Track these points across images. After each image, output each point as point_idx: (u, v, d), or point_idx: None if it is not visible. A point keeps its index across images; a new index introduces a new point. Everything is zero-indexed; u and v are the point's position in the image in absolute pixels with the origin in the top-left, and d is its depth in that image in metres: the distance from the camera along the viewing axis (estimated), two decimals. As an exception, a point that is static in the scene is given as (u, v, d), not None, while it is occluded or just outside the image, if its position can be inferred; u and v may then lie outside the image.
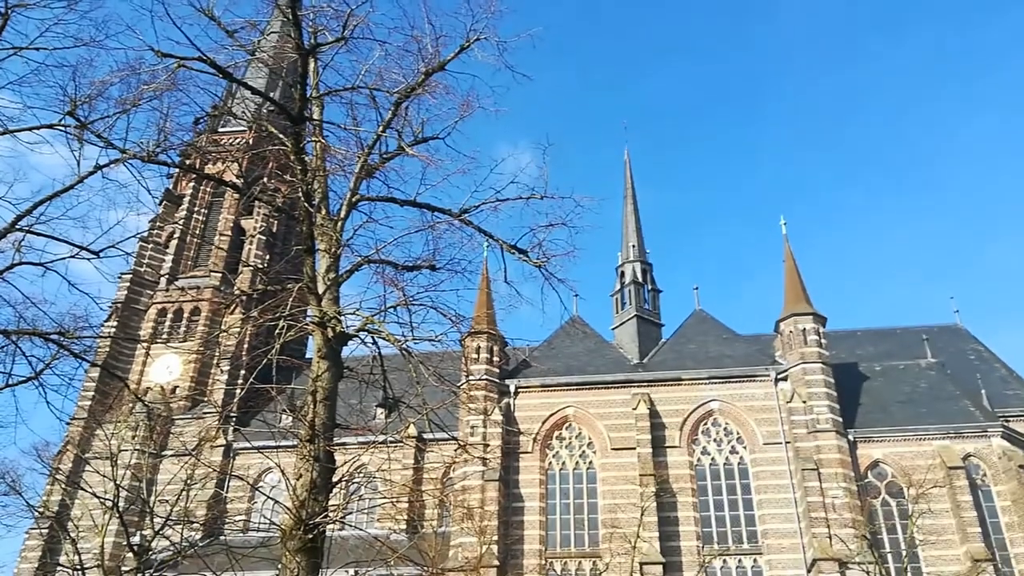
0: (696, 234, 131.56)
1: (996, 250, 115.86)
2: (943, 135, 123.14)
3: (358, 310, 13.09)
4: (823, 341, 36.70)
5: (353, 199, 13.33)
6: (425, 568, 28.54)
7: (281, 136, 13.02)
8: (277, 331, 12.74)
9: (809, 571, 32.20)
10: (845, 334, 43.68)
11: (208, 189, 52.23)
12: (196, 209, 51.55)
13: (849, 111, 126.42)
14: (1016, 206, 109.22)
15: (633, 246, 44.38)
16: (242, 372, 42.74)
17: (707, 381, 37.28)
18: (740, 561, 33.84)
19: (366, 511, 35.34)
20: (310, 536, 11.72)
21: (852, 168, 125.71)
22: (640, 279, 43.14)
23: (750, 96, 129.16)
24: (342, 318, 13.00)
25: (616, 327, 42.60)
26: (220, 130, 48.98)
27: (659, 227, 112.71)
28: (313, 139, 13.10)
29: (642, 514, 31.40)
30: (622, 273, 43.89)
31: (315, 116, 13.29)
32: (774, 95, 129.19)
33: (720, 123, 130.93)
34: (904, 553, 30.87)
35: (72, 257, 14.82)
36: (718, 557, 33.47)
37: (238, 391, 39.67)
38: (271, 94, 13.88)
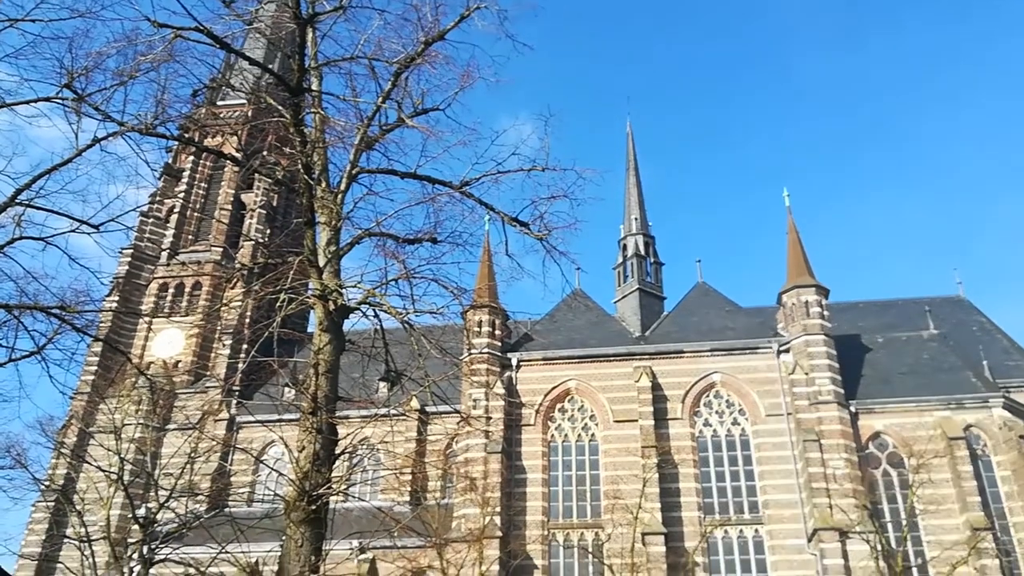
0: (699, 207, 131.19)
1: (1000, 222, 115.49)
2: (948, 107, 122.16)
3: (359, 283, 13.09)
4: (825, 313, 36.68)
5: (353, 171, 13.24)
6: (428, 538, 28.83)
7: (280, 108, 12.90)
8: (278, 304, 12.74)
9: (810, 541, 32.49)
10: (847, 306, 43.65)
11: (208, 163, 52.02)
12: (196, 183, 51.40)
13: (853, 84, 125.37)
14: (1021, 177, 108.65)
15: (635, 219, 44.22)
16: (244, 346, 42.91)
17: (709, 354, 37.35)
18: (741, 531, 34.14)
19: (369, 482, 35.66)
20: (313, 507, 11.83)
21: (856, 141, 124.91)
22: (642, 252, 43.03)
23: (754, 68, 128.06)
24: (343, 291, 12.99)
25: (618, 300, 42.59)
26: (219, 103, 48.63)
27: (662, 200, 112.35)
28: (312, 110, 12.99)
29: (644, 485, 31.60)
30: (624, 246, 43.78)
31: (314, 87, 13.16)
32: (778, 68, 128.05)
33: (724, 95, 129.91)
34: (904, 522, 31.11)
35: (72, 231, 14.76)
36: (719, 527, 33.76)
37: (240, 364, 39.84)
38: (269, 66, 13.69)
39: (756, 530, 33.99)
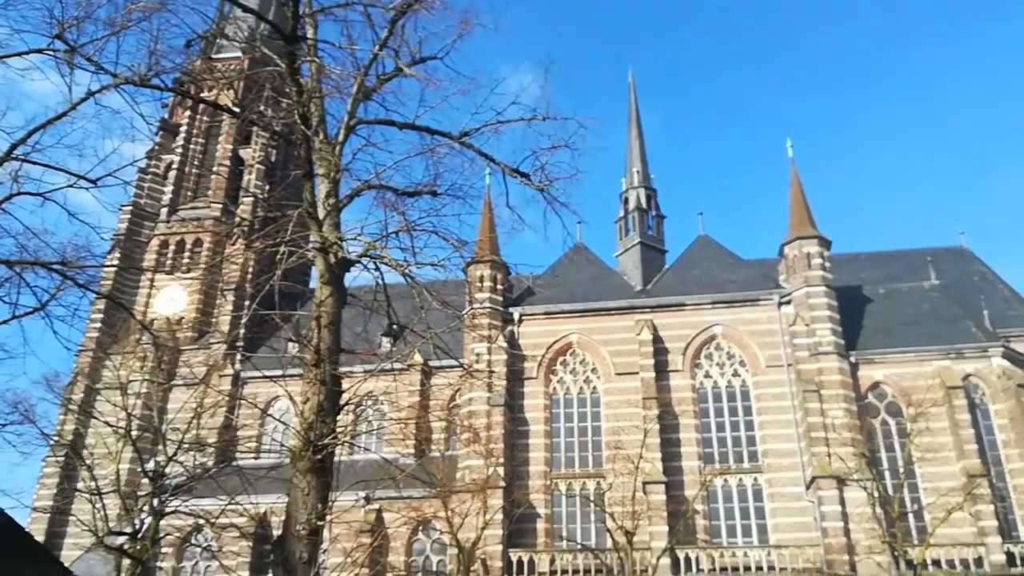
0: (701, 159, 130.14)
1: (1003, 171, 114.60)
2: (952, 57, 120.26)
3: (359, 235, 13.06)
4: (827, 264, 36.69)
5: (351, 122, 13.12)
6: (433, 489, 29.33)
7: (275, 57, 12.72)
8: (278, 257, 12.75)
9: (808, 488, 33.02)
10: (849, 257, 43.62)
11: (205, 119, 51.64)
12: (193, 139, 51.10)
13: (856, 36, 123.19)
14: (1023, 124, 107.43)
15: (637, 172, 43.96)
16: (246, 302, 43.10)
17: (710, 306, 37.48)
18: (740, 480, 34.68)
19: (374, 432, 36.10)
20: (319, 457, 11.99)
21: (860, 91, 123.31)
22: (644, 205, 42.88)
23: (757, 19, 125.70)
24: (344, 244, 12.97)
25: (620, 254, 42.58)
26: (214, 56, 47.96)
27: (664, 152, 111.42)
28: (308, 59, 12.81)
29: (645, 436, 31.99)
30: (626, 199, 43.61)
31: (309, 35, 12.96)
32: (781, 19, 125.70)
33: (726, 45, 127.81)
34: (901, 470, 31.61)
35: (70, 187, 14.66)
36: (719, 476, 34.30)
37: (243, 317, 40.06)
38: (264, 15, 13.47)
39: (755, 478, 34.54)
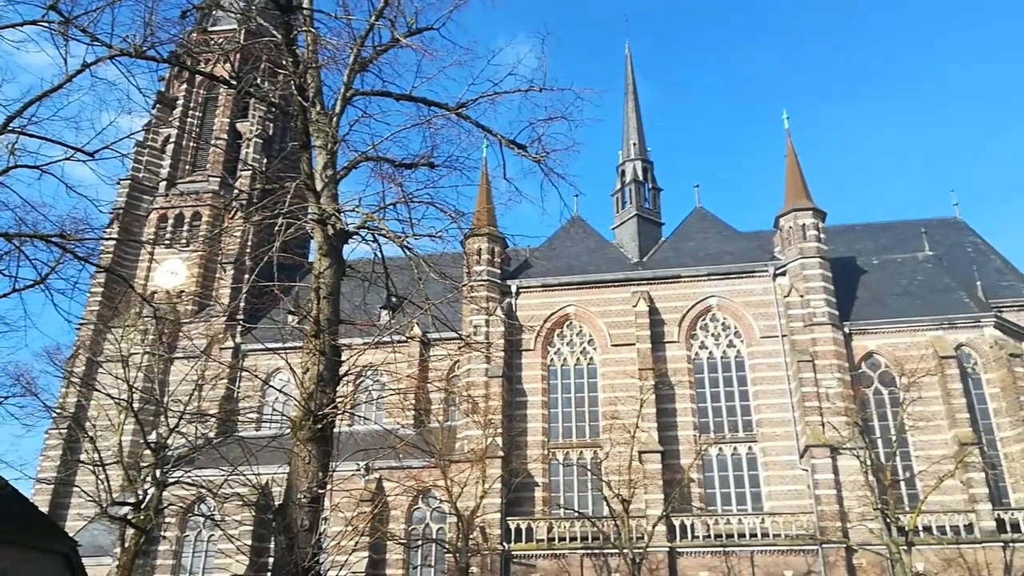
0: (698, 131, 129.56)
1: (998, 141, 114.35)
2: (949, 25, 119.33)
3: (357, 207, 13.17)
4: (822, 236, 36.87)
5: (347, 94, 13.16)
6: (433, 458, 29.71)
7: (271, 28, 12.72)
8: (277, 229, 12.85)
9: (801, 457, 33.48)
10: (844, 229, 43.79)
11: (202, 91, 51.42)
12: (190, 112, 50.93)
13: (853, 10, 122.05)
14: (1020, 96, 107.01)
15: (634, 144, 43.91)
16: (246, 276, 43.24)
17: (706, 278, 37.70)
18: (735, 449, 35.15)
19: (374, 403, 36.41)
20: (319, 426, 12.21)
21: (855, 62, 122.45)
22: (641, 178, 42.90)
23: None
24: (342, 215, 13.07)
25: (616, 226, 42.68)
26: (210, 28, 47.62)
27: (661, 124, 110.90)
28: (304, 29, 12.81)
29: (641, 406, 32.36)
30: (623, 172, 43.61)
31: (305, 5, 12.95)
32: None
33: (723, 18, 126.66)
34: (894, 438, 32.04)
35: (67, 159, 14.69)
36: (714, 445, 34.77)
37: (243, 289, 40.19)
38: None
39: (750, 447, 35.01)
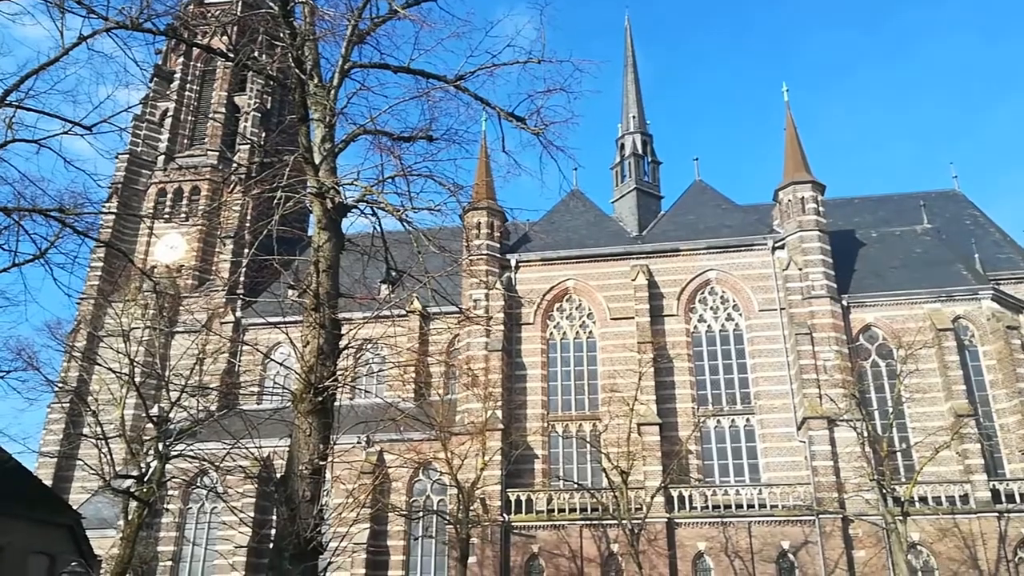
0: (698, 104, 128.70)
1: (998, 114, 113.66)
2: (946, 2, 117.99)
3: (356, 180, 13.16)
4: (821, 209, 36.83)
5: (345, 66, 13.10)
6: (433, 431, 29.94)
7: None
8: (276, 202, 12.86)
9: (799, 429, 33.74)
10: (843, 202, 43.73)
11: (199, 65, 51.06)
12: (188, 85, 50.61)
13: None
14: (1018, 68, 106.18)
15: (633, 117, 43.68)
16: (245, 250, 43.25)
17: (705, 251, 37.71)
18: (733, 421, 35.41)
19: (374, 376, 36.60)
20: (320, 399, 12.30)
21: (854, 33, 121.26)
22: (640, 151, 42.74)
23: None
24: (341, 189, 13.07)
25: (616, 200, 42.61)
26: (207, 1, 47.21)
27: (660, 97, 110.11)
28: (300, 1, 12.71)
29: (640, 379, 32.53)
30: (622, 145, 43.45)
31: (301, -24, 12.84)
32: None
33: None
34: (890, 410, 32.24)
35: (65, 133, 14.65)
36: (712, 417, 35.02)
37: (243, 262, 40.23)
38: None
39: (747, 419, 35.26)
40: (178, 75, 50.41)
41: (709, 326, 37.18)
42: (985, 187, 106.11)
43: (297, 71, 12.31)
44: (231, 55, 13.38)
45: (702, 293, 37.57)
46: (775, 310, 36.09)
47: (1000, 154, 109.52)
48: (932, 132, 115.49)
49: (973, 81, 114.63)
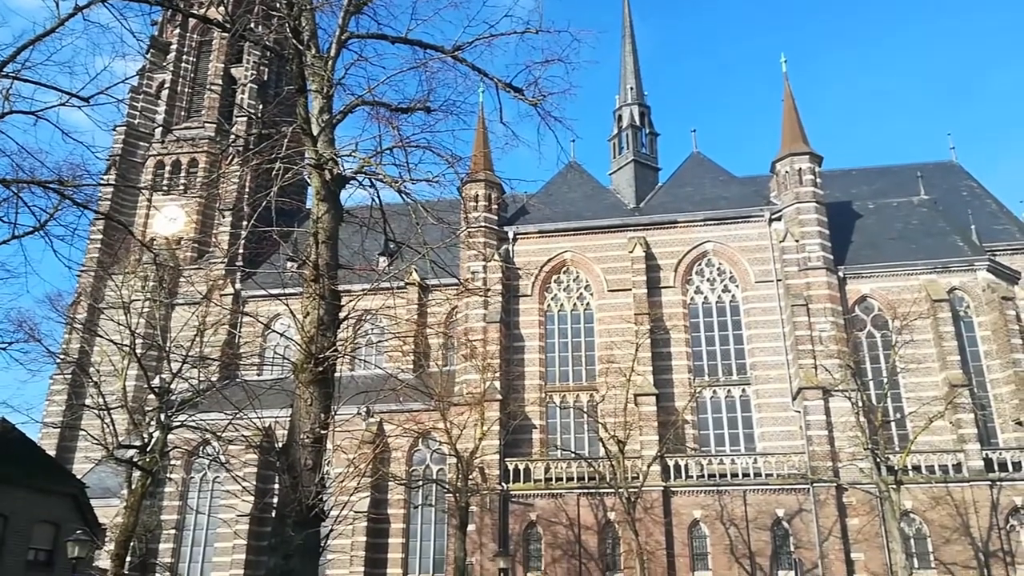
0: (696, 75, 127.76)
1: (996, 83, 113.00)
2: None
3: (354, 151, 13.20)
4: (818, 180, 36.84)
5: (342, 36, 13.09)
6: (432, 402, 30.24)
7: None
8: (274, 173, 12.92)
9: (794, 399, 34.08)
10: (840, 173, 43.69)
11: (195, 36, 50.68)
12: (185, 57, 50.32)
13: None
14: (1017, 38, 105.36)
15: (631, 88, 43.47)
16: (244, 223, 43.29)
17: (702, 223, 37.79)
18: (729, 391, 35.74)
19: (374, 347, 36.86)
20: (320, 369, 12.45)
21: (854, 2, 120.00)
22: (638, 123, 42.61)
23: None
24: (339, 160, 13.11)
25: (613, 172, 42.57)
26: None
27: (658, 68, 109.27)
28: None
29: (636, 350, 32.76)
30: (620, 117, 43.30)
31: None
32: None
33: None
34: (885, 380, 32.56)
35: (62, 105, 14.64)
36: (708, 388, 35.35)
37: (242, 234, 40.28)
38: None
39: (743, 390, 35.60)
40: (174, 46, 50.11)
41: (706, 298, 37.37)
42: (983, 158, 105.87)
43: (294, 41, 12.31)
44: (227, 26, 13.36)
45: (699, 265, 37.71)
46: (771, 281, 36.25)
47: (998, 125, 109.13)
48: (930, 103, 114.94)
49: (971, 51, 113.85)
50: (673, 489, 32.76)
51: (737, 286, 37.10)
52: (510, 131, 13.91)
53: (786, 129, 38.51)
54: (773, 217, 37.00)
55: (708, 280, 37.53)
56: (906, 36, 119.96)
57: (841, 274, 35.75)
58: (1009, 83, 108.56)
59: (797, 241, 35.86)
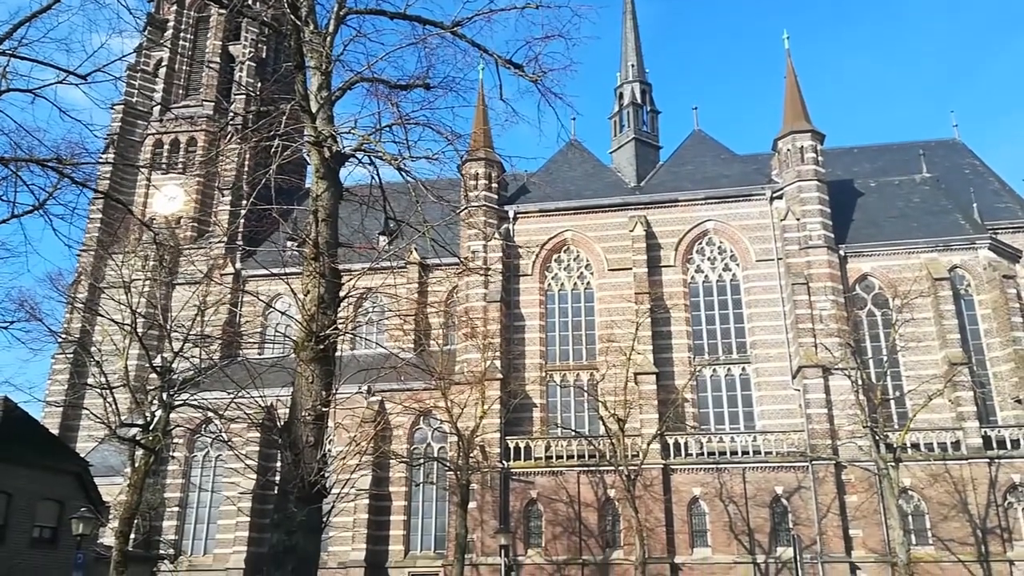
0: (698, 52, 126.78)
1: (1000, 61, 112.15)
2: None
3: (353, 128, 13.12)
4: (820, 159, 36.67)
5: (341, 12, 12.98)
6: (433, 381, 30.33)
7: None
8: (273, 151, 12.85)
9: (794, 377, 34.17)
10: (842, 151, 43.52)
11: (192, 12, 50.30)
12: (182, 34, 49.98)
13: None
14: (1022, 15, 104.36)
15: (632, 65, 43.17)
16: (243, 201, 43.21)
17: (703, 202, 37.68)
18: (729, 370, 35.83)
19: (374, 325, 36.90)
20: (321, 347, 12.45)
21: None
22: (639, 100, 42.36)
23: None
24: (338, 138, 13.04)
25: (614, 150, 42.39)
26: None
27: (660, 45, 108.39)
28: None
29: (637, 329, 32.80)
30: (621, 95, 43.05)
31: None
32: None
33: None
34: (885, 358, 32.61)
35: (60, 83, 14.57)
36: (708, 366, 35.43)
37: (242, 212, 40.24)
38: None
39: (743, 368, 35.69)
40: (171, 24, 49.77)
41: (706, 276, 37.35)
42: (986, 136, 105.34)
43: (292, 17, 12.19)
44: (225, 2, 13.23)
45: (700, 244, 37.65)
46: (772, 260, 36.22)
47: (1002, 103, 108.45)
48: (934, 80, 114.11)
49: (975, 27, 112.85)
50: (673, 467, 32.95)
51: (738, 265, 37.07)
52: (510, 108, 13.86)
53: (788, 107, 38.27)
54: (774, 195, 36.89)
55: (709, 259, 37.49)
56: (910, 13, 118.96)
57: (842, 252, 35.69)
58: (1014, 61, 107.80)
59: (798, 219, 35.78)
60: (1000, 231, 36.97)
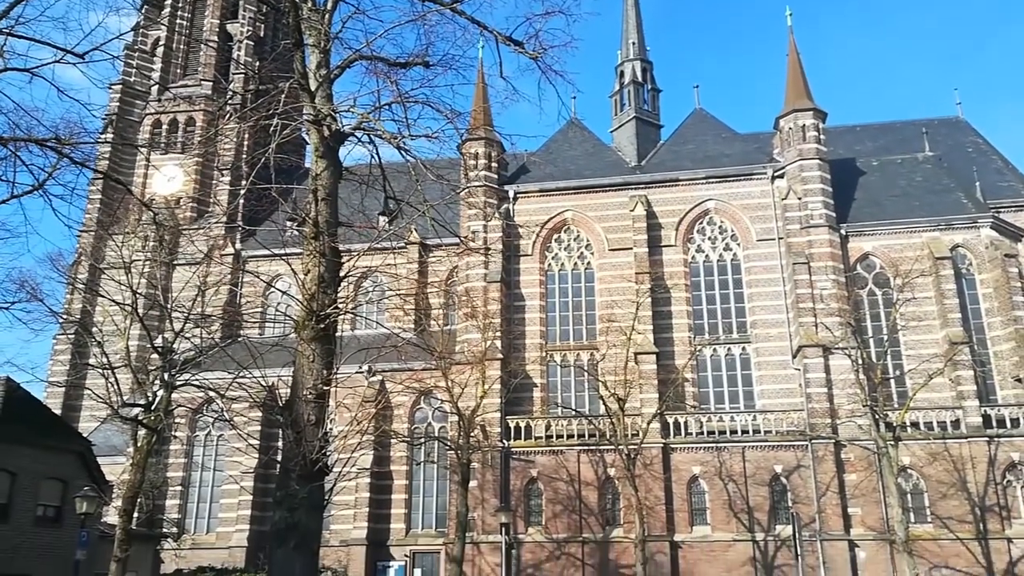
0: (699, 29, 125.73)
1: (1004, 39, 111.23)
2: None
3: (352, 107, 13.03)
4: (822, 137, 36.46)
5: (339, -11, 12.83)
6: (434, 361, 30.40)
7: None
8: (272, 129, 12.79)
9: (794, 357, 34.21)
10: (844, 130, 43.27)
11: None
12: (179, 12, 49.57)
13: None
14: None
15: (633, 43, 42.84)
16: (243, 181, 43.12)
17: (704, 181, 37.54)
18: (729, 350, 35.88)
19: (375, 304, 36.94)
20: (322, 326, 12.48)
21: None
22: (640, 79, 42.08)
23: None
24: (337, 116, 12.97)
25: (615, 129, 42.19)
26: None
27: (661, 22, 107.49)
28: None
29: (637, 309, 32.80)
30: (621, 73, 42.77)
31: None
32: None
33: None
34: (886, 338, 32.62)
35: (57, 62, 14.48)
36: (708, 346, 35.47)
37: (241, 192, 40.18)
38: None
39: (743, 348, 35.73)
40: (169, 2, 49.34)
41: (707, 256, 37.30)
42: (989, 114, 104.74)
43: (290, -7, 12.08)
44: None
45: (700, 223, 37.56)
46: (773, 240, 36.14)
47: (1006, 81, 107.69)
48: (937, 59, 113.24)
49: (979, 5, 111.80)
50: (673, 446, 33.10)
51: (738, 244, 37.00)
52: (510, 86, 13.84)
53: (790, 85, 38.00)
54: (776, 174, 36.74)
55: (709, 238, 37.42)
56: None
57: (843, 232, 35.60)
58: (1019, 39, 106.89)
59: (800, 199, 35.65)
60: (1003, 210, 36.86)
